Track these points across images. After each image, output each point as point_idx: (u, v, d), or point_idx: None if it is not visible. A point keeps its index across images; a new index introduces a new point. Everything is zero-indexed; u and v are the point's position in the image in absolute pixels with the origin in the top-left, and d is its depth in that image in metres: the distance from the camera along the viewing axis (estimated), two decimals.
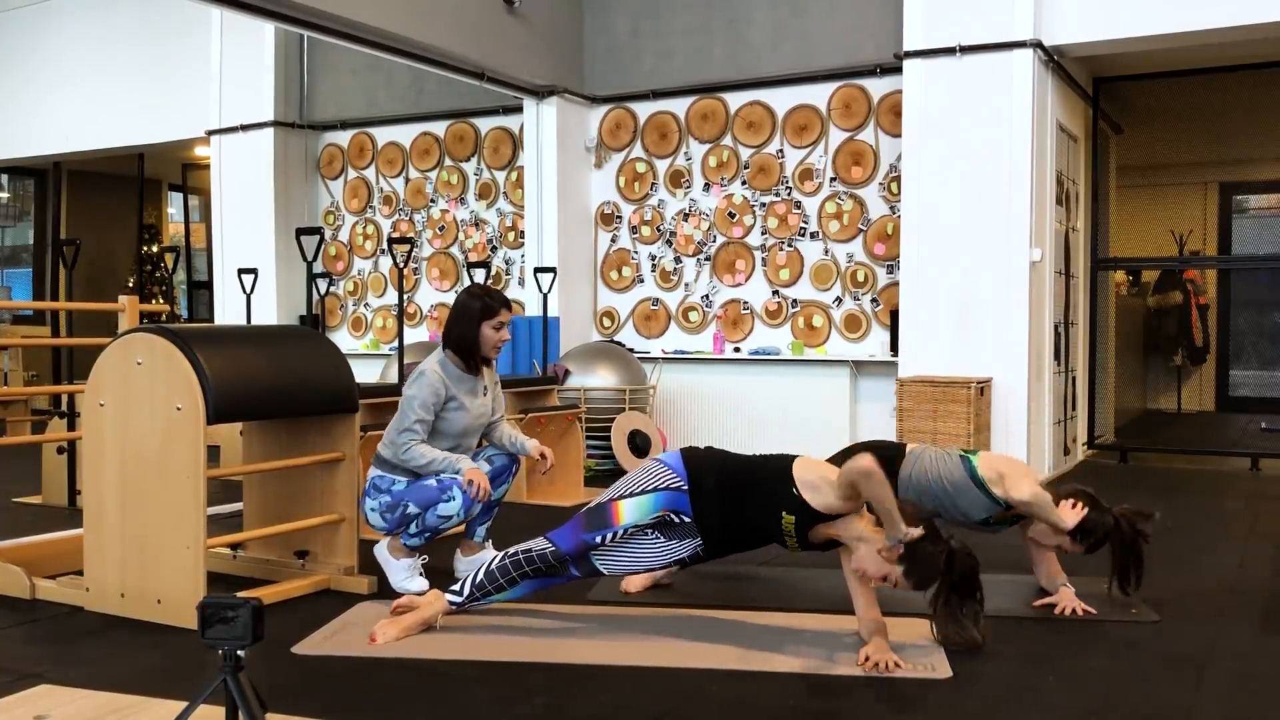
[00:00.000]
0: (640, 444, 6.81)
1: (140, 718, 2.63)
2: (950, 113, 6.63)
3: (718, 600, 3.75)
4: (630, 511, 3.29)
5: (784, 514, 3.19)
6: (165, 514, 3.44)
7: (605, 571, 3.37)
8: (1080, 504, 3.63)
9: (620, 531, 3.29)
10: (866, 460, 2.96)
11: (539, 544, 3.35)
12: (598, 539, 3.30)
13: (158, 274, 11.84)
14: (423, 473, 3.82)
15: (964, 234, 6.59)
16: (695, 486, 3.29)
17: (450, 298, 8.83)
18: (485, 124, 8.73)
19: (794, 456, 3.31)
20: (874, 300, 7.38)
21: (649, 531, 3.32)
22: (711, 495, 3.27)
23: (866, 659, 3.03)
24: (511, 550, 3.38)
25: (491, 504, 4.02)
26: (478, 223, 8.77)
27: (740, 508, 3.26)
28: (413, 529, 3.86)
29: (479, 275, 6.55)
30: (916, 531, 2.99)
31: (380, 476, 3.88)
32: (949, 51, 6.61)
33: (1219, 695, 2.87)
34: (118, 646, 3.25)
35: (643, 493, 3.31)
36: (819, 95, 7.53)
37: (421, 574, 3.92)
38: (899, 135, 6.99)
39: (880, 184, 7.36)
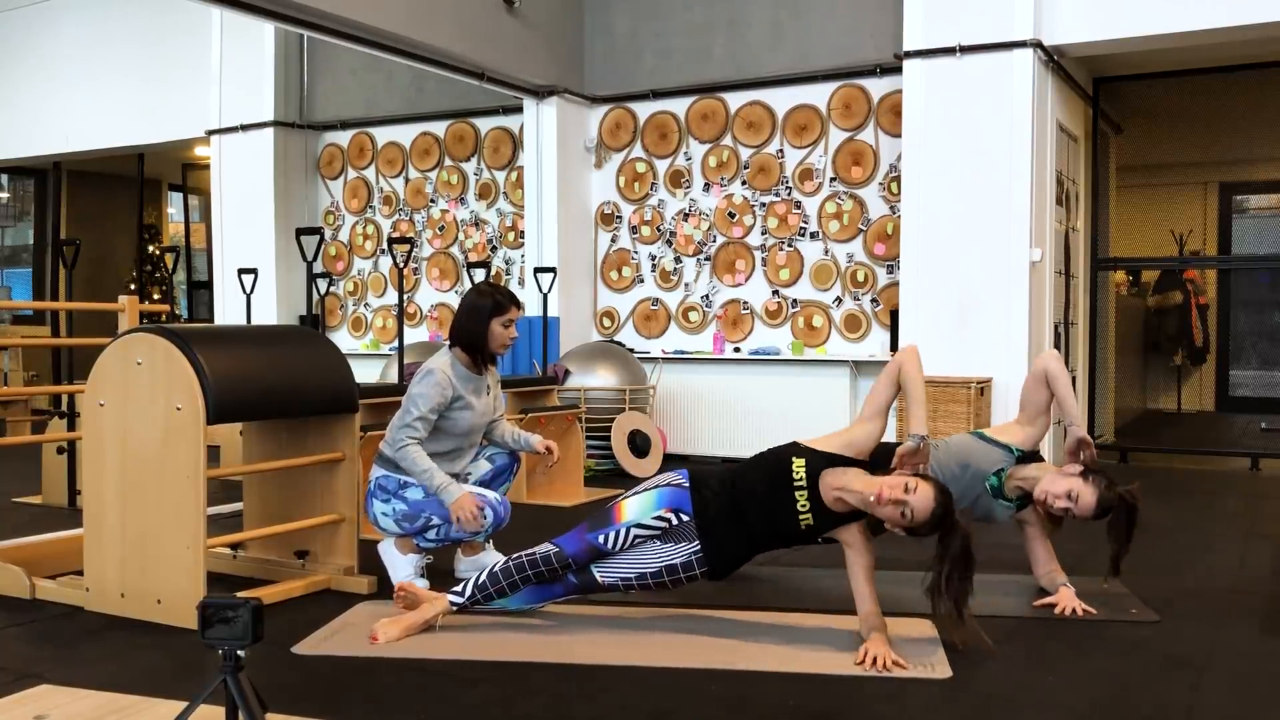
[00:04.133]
0: (640, 444, 6.81)
1: (140, 718, 2.63)
2: (950, 113, 6.63)
3: (718, 600, 3.74)
4: (632, 509, 3.30)
5: (793, 460, 3.22)
6: (165, 514, 3.44)
7: (602, 582, 3.35)
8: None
9: (624, 530, 3.29)
10: (912, 346, 3.20)
11: (543, 548, 3.35)
12: (601, 539, 3.30)
13: (158, 274, 11.85)
14: (412, 478, 3.78)
15: (964, 234, 6.59)
16: (697, 486, 3.31)
17: (450, 298, 8.84)
18: (485, 124, 8.73)
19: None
20: (874, 300, 7.38)
21: (649, 540, 3.32)
22: (713, 487, 3.31)
23: (866, 655, 3.03)
24: (515, 554, 3.38)
25: (499, 519, 3.99)
26: (478, 223, 8.77)
27: (745, 488, 3.27)
28: (431, 535, 3.85)
29: (479, 275, 6.55)
30: (935, 442, 3.04)
31: (386, 477, 3.87)
32: (949, 51, 6.61)
33: (1219, 695, 2.87)
34: (118, 646, 3.25)
35: (644, 490, 3.34)
36: (819, 95, 7.53)
37: (423, 574, 3.92)
38: (899, 135, 7.00)
39: (880, 184, 7.36)
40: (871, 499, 3.05)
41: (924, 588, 3.05)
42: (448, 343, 3.99)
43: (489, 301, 3.91)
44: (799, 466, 3.20)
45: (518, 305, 3.99)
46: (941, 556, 3.03)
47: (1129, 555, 3.63)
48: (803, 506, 3.21)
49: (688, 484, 3.31)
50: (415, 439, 3.75)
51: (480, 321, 3.90)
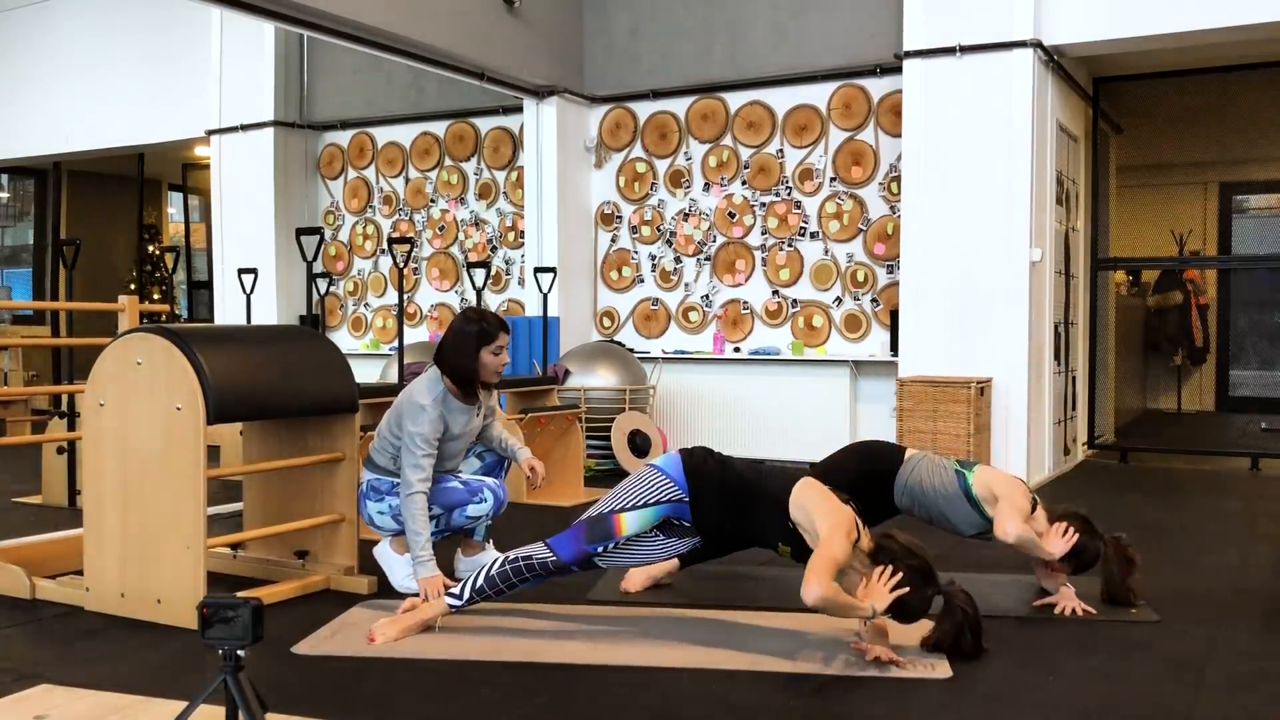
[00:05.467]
0: (640, 444, 6.81)
1: (140, 718, 2.63)
2: (950, 113, 6.63)
3: (718, 600, 3.75)
4: (632, 524, 3.29)
5: (780, 544, 3.25)
6: (165, 514, 3.44)
7: (604, 566, 3.39)
8: (1071, 530, 3.60)
9: (622, 540, 3.31)
10: (811, 593, 2.86)
11: (539, 552, 3.33)
12: (599, 549, 3.30)
13: (158, 274, 11.85)
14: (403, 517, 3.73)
15: (964, 234, 6.59)
16: (696, 500, 3.30)
17: (450, 298, 8.84)
18: (485, 124, 8.73)
19: (793, 480, 3.24)
20: (874, 300, 7.38)
21: (650, 531, 3.34)
22: (713, 510, 3.30)
23: (868, 652, 3.04)
24: (511, 556, 3.37)
25: (499, 502, 3.99)
26: (478, 223, 8.77)
27: (739, 524, 3.31)
28: (432, 526, 3.83)
29: (479, 275, 6.55)
30: (883, 607, 2.95)
31: (377, 479, 3.87)
32: (949, 51, 6.61)
33: (1219, 695, 2.87)
34: (118, 646, 3.25)
35: (644, 506, 3.30)
36: (819, 95, 7.53)
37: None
38: (899, 135, 7.00)
39: (880, 184, 7.36)
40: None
41: (927, 645, 3.14)
42: (434, 364, 3.83)
43: (475, 329, 3.74)
44: (785, 552, 3.24)
45: (506, 330, 3.83)
46: (940, 621, 3.11)
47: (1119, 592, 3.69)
48: (794, 562, 3.29)
49: (688, 499, 3.30)
50: (424, 480, 3.68)
51: (469, 354, 3.74)
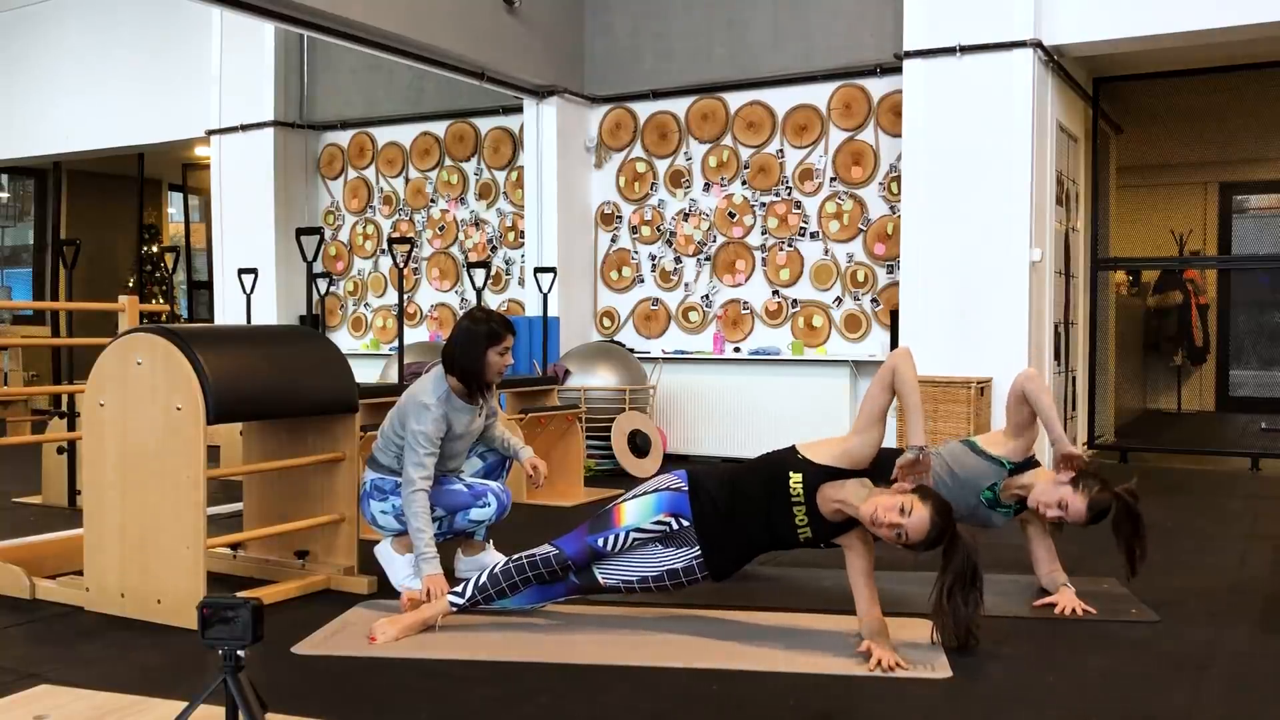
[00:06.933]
0: (640, 444, 6.81)
1: (140, 718, 2.63)
2: (950, 113, 6.63)
3: (718, 600, 3.74)
4: (632, 513, 3.30)
5: (790, 475, 3.18)
6: (165, 514, 3.44)
7: (603, 582, 3.36)
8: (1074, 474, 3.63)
9: (623, 534, 3.30)
10: (905, 347, 3.15)
11: (543, 549, 3.36)
12: (600, 541, 3.31)
13: (158, 274, 11.85)
14: (404, 518, 3.74)
15: (964, 234, 6.59)
16: (695, 488, 3.31)
17: (450, 298, 8.84)
18: (485, 124, 8.73)
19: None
20: (874, 300, 7.38)
21: (649, 543, 3.33)
22: (711, 492, 3.30)
23: (871, 659, 3.03)
24: (515, 556, 3.39)
25: (502, 506, 3.99)
26: (478, 223, 8.77)
27: (743, 495, 3.25)
28: (435, 528, 3.83)
29: (479, 275, 6.56)
30: (931, 450, 3.03)
31: (380, 479, 3.87)
32: (949, 51, 6.61)
33: (1219, 695, 2.87)
34: (118, 646, 3.25)
35: (644, 494, 3.34)
36: (819, 95, 7.53)
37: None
38: (899, 135, 7.00)
39: (880, 184, 7.36)
40: (867, 519, 3.05)
41: (929, 605, 3.07)
42: (440, 363, 3.85)
43: (484, 329, 3.76)
44: (796, 482, 3.18)
45: (512, 332, 3.85)
46: (943, 571, 3.05)
47: (1143, 557, 3.59)
48: (800, 521, 3.21)
49: (686, 487, 3.31)
50: (426, 478, 3.68)
51: (476, 351, 3.76)
